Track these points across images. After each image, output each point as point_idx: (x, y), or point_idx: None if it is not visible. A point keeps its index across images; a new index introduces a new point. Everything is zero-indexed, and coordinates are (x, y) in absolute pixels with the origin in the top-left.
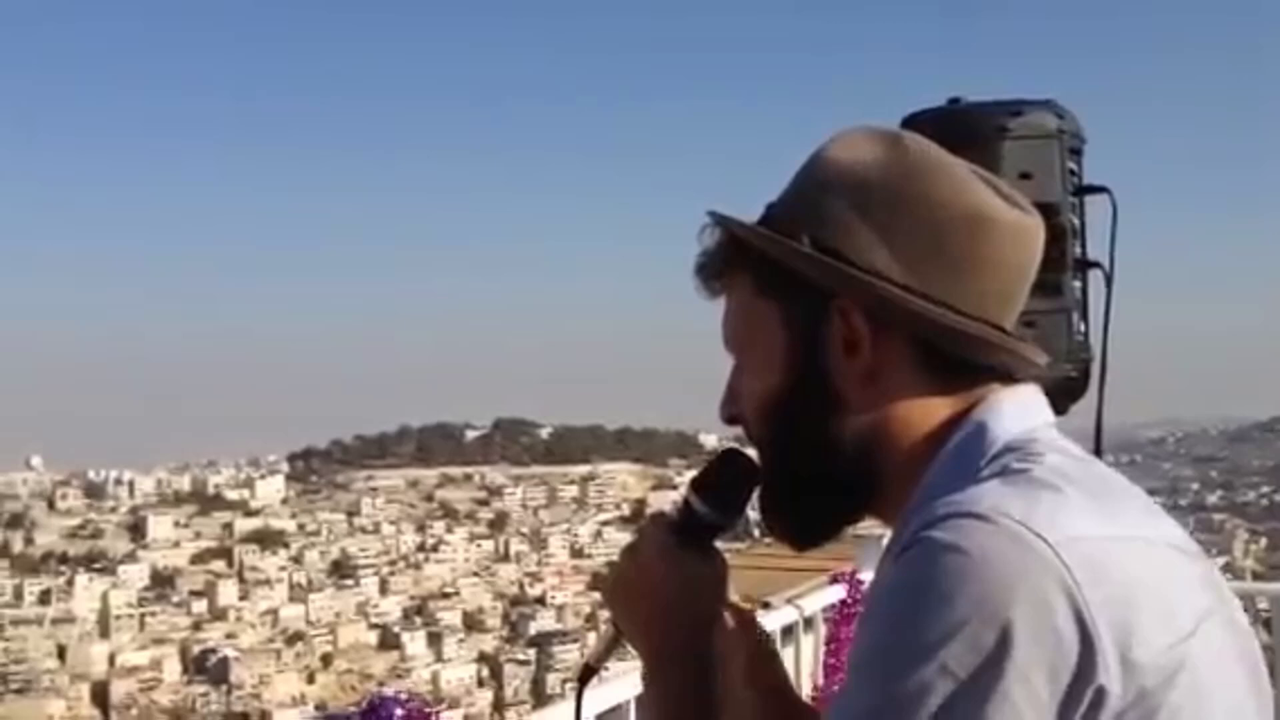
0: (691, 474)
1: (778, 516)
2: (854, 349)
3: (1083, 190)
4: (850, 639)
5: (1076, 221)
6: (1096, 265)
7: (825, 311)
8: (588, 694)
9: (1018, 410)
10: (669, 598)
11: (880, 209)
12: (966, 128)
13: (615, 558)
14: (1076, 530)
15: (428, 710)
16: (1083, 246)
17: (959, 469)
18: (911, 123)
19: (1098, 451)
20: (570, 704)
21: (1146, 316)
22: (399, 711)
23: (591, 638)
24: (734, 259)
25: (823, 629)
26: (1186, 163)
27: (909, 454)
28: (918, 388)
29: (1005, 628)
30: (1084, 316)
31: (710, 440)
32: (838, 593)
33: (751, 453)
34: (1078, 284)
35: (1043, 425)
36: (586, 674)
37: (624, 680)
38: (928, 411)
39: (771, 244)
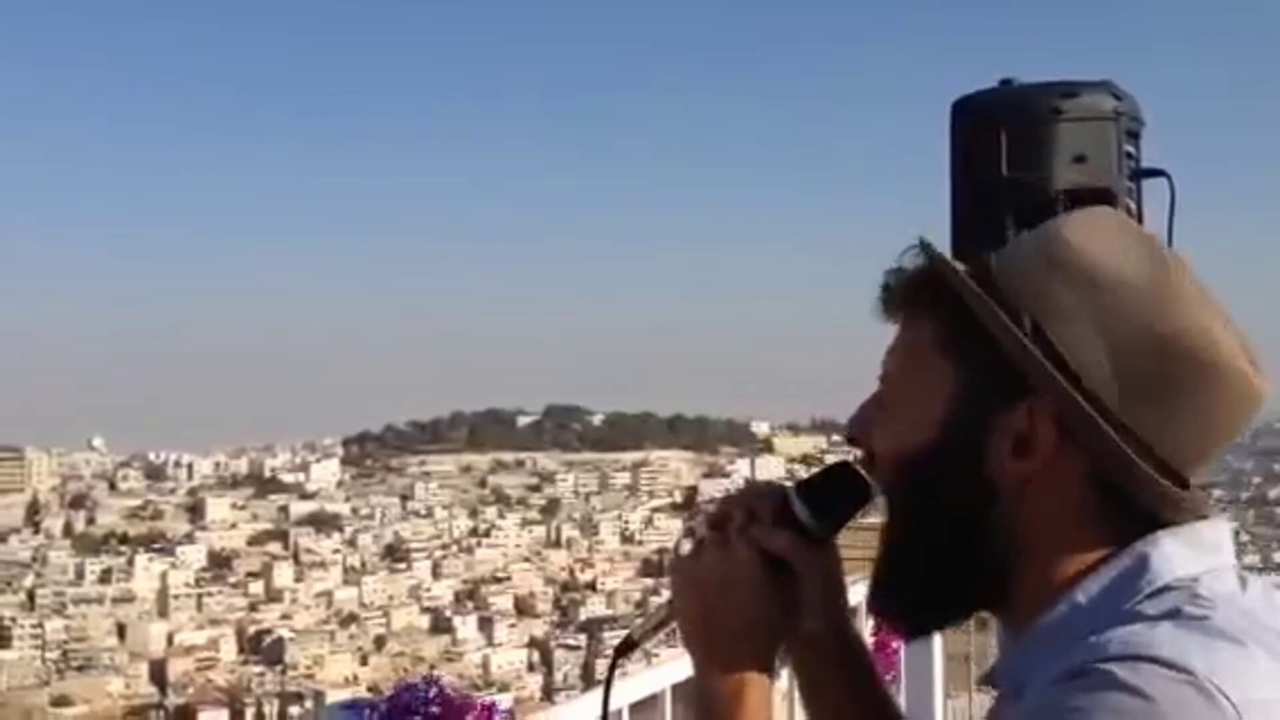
0: (743, 463)
1: (895, 588)
2: (1025, 451)
3: (1140, 174)
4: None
5: (1133, 206)
6: None
7: (1011, 400)
8: (622, 683)
9: (1186, 549)
10: (745, 615)
11: (1122, 324)
12: (1019, 109)
13: (699, 544)
14: (1261, 694)
15: (458, 695)
16: None
17: (1115, 600)
18: (963, 105)
19: None
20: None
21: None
22: (432, 691)
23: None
24: (932, 302)
25: (869, 622)
26: (1251, 152)
27: (1052, 572)
28: (1079, 513)
29: None
30: None
31: (762, 428)
32: None
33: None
34: None
35: (1218, 568)
36: (627, 646)
37: (661, 669)
38: (1083, 537)
39: (990, 313)
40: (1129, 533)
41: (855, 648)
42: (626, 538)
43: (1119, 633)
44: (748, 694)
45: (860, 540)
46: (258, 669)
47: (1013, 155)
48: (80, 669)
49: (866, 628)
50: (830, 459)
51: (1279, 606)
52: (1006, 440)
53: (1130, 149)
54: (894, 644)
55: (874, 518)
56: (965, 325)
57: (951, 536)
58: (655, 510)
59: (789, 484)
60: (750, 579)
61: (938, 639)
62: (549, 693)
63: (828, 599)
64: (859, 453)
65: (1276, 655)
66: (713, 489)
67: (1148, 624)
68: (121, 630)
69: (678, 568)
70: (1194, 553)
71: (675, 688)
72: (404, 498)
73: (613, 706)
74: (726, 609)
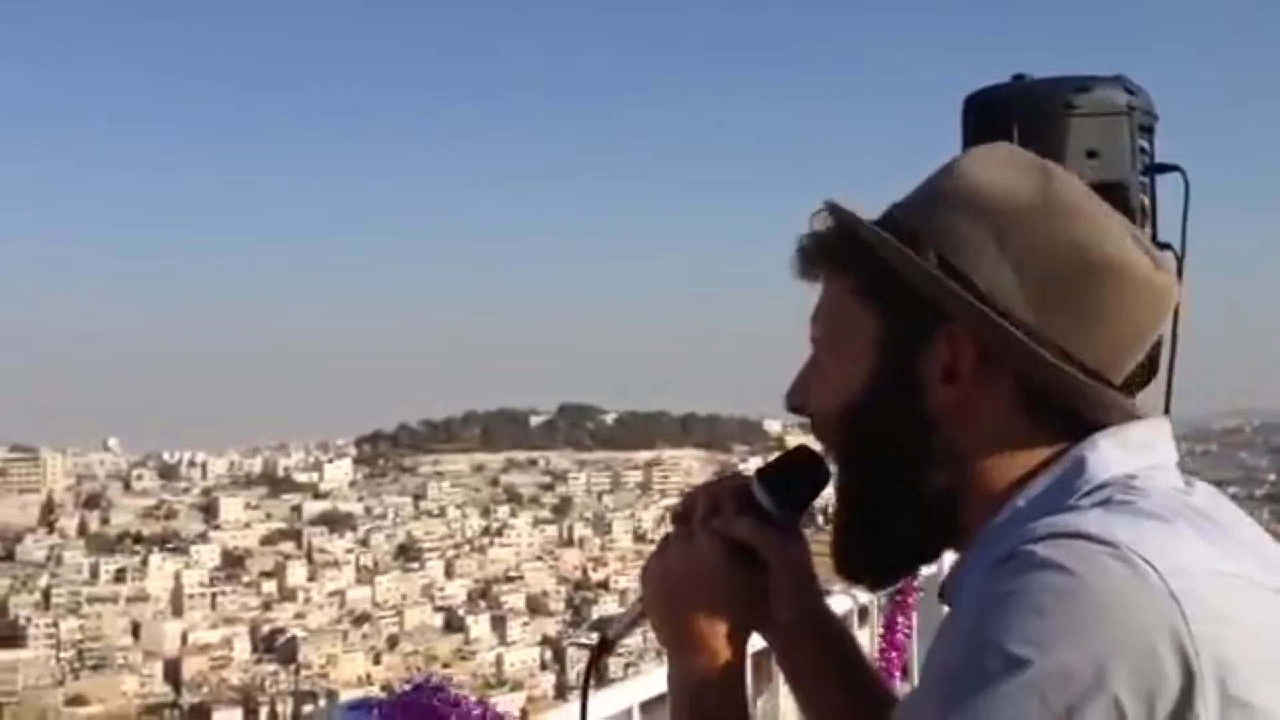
0: (756, 461)
1: (854, 541)
2: (953, 377)
3: (1154, 169)
4: (904, 628)
5: (1147, 201)
6: (1167, 247)
7: (930, 332)
8: (634, 681)
9: (1122, 450)
10: (712, 606)
11: (1018, 241)
12: (1031, 104)
13: (665, 540)
14: (1185, 562)
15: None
16: (1154, 227)
17: (1051, 499)
18: (975, 100)
19: None
20: (616, 691)
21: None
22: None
23: None
24: (843, 254)
25: (878, 617)
26: (1265, 148)
27: (995, 487)
28: (1012, 427)
29: (1104, 651)
30: None
31: (774, 427)
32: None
33: (818, 447)
34: None
35: (1156, 465)
36: (603, 647)
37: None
38: (1020, 449)
39: (895, 253)
40: (1066, 440)
41: (833, 632)
42: (639, 536)
43: (1046, 519)
44: (719, 684)
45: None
46: (271, 668)
47: (1025, 150)
48: (95, 668)
49: (875, 621)
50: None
51: (1223, 505)
52: (935, 372)
53: (1144, 144)
54: (904, 632)
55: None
56: (877, 272)
57: (900, 475)
58: (668, 509)
59: (750, 473)
60: (714, 569)
61: None
62: (562, 691)
63: (797, 585)
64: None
65: (1206, 535)
66: None
67: (1076, 511)
68: (136, 629)
69: (645, 564)
70: (1131, 452)
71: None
72: (417, 497)
73: (625, 705)
74: (693, 601)
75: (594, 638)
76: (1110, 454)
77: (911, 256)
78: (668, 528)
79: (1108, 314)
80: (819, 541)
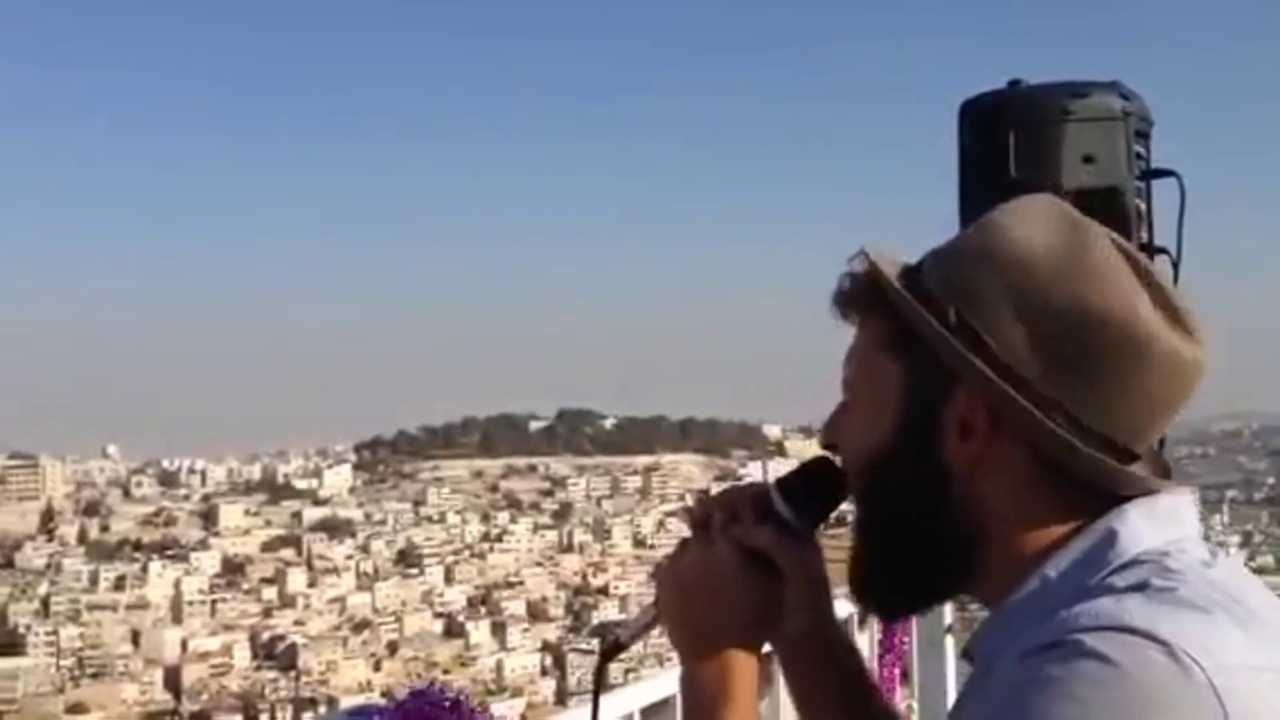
0: (755, 465)
1: (869, 577)
2: (969, 434)
3: (1149, 174)
4: (903, 634)
5: (1143, 206)
6: (1163, 251)
7: (951, 388)
8: (637, 686)
9: (1150, 523)
10: (728, 611)
11: (1035, 303)
12: (1028, 110)
13: (682, 545)
14: (1227, 659)
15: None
16: (1149, 232)
17: (1084, 574)
18: (972, 105)
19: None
20: (620, 696)
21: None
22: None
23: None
24: (871, 303)
25: (876, 625)
26: (1262, 150)
27: (1017, 546)
28: (1030, 488)
29: None
30: None
31: (773, 431)
32: None
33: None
34: None
35: (1184, 539)
36: (614, 650)
37: (674, 672)
38: (1041, 512)
39: (911, 310)
40: (1087, 506)
41: (840, 645)
42: (639, 541)
43: (1089, 605)
44: (734, 689)
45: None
46: (271, 675)
47: (1021, 156)
48: (95, 676)
49: (874, 627)
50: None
51: (1246, 579)
52: (953, 429)
53: (1139, 149)
54: (902, 640)
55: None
56: (904, 324)
57: (914, 522)
58: (667, 514)
59: (769, 482)
60: (732, 575)
61: (950, 643)
62: (562, 697)
63: (812, 595)
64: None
65: (1242, 624)
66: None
67: (1116, 596)
68: (135, 637)
69: (661, 567)
70: (1159, 525)
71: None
72: (416, 503)
73: (626, 710)
74: (710, 605)
75: (607, 639)
76: (1139, 526)
77: (924, 315)
78: (667, 532)
79: (1124, 385)
80: (829, 546)
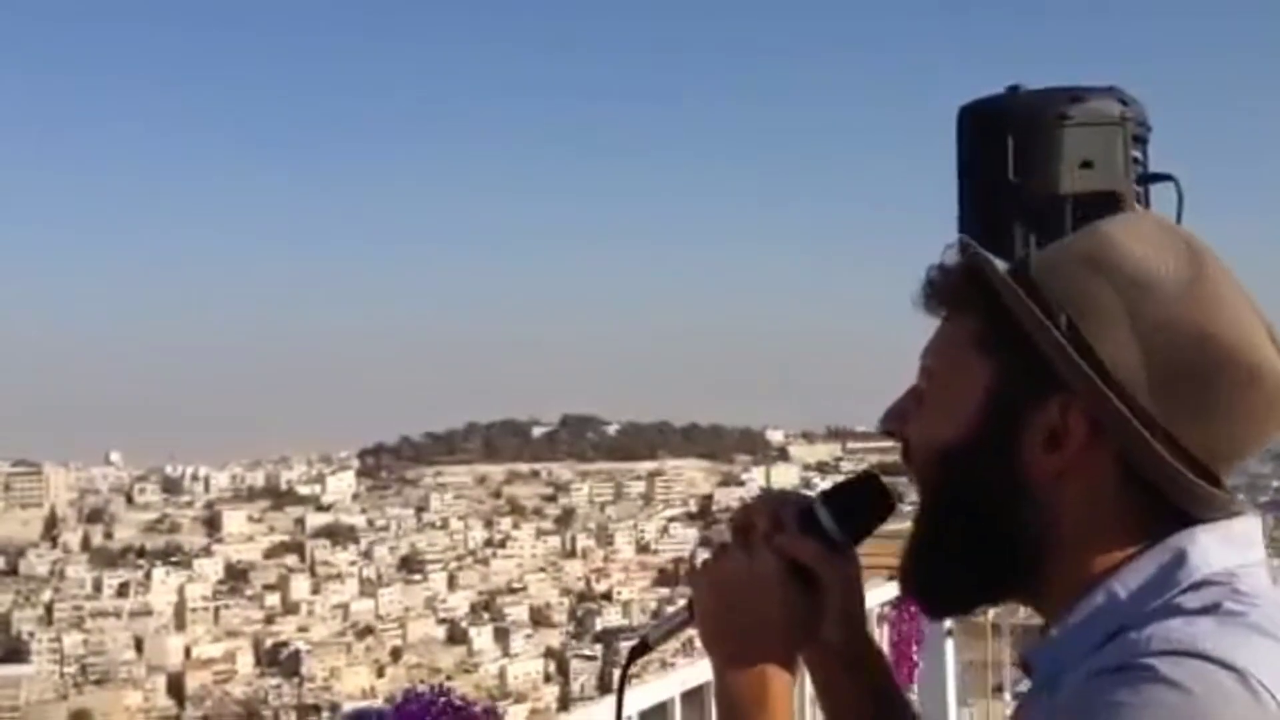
0: (758, 471)
1: (925, 574)
2: (1057, 445)
3: (1147, 178)
4: (910, 636)
5: (1140, 210)
6: None
7: (1044, 394)
8: (639, 689)
9: (1220, 545)
10: (768, 619)
11: (1154, 320)
12: (1026, 115)
13: (722, 549)
14: None
15: (466, 704)
16: None
17: (1153, 593)
18: (971, 111)
19: None
20: (657, 684)
21: None
22: (440, 700)
23: None
24: (971, 298)
25: (885, 626)
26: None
27: (1084, 562)
28: (1108, 505)
29: None
30: None
31: (777, 436)
32: (895, 589)
33: (890, 482)
34: None
35: (1253, 563)
36: (641, 649)
37: (671, 677)
38: (1113, 529)
39: (1025, 309)
40: (1161, 527)
41: (873, 658)
42: (642, 547)
43: (1160, 627)
44: (771, 695)
45: (883, 549)
46: (275, 681)
47: (1020, 160)
48: (98, 682)
49: (883, 636)
50: (846, 466)
51: None
52: (1039, 435)
53: (1137, 154)
54: (913, 653)
55: (897, 524)
56: (1003, 323)
57: (982, 527)
58: (671, 519)
59: (813, 493)
60: (776, 583)
61: (950, 647)
62: (566, 703)
63: (849, 608)
64: (885, 460)
65: None
66: (728, 498)
67: (1188, 619)
68: (139, 644)
69: (701, 570)
70: (1229, 548)
71: (685, 695)
72: (419, 509)
73: (624, 712)
74: (750, 611)
75: (636, 639)
76: (1210, 548)
77: (1040, 317)
78: (671, 538)
79: (1231, 412)
80: (868, 553)
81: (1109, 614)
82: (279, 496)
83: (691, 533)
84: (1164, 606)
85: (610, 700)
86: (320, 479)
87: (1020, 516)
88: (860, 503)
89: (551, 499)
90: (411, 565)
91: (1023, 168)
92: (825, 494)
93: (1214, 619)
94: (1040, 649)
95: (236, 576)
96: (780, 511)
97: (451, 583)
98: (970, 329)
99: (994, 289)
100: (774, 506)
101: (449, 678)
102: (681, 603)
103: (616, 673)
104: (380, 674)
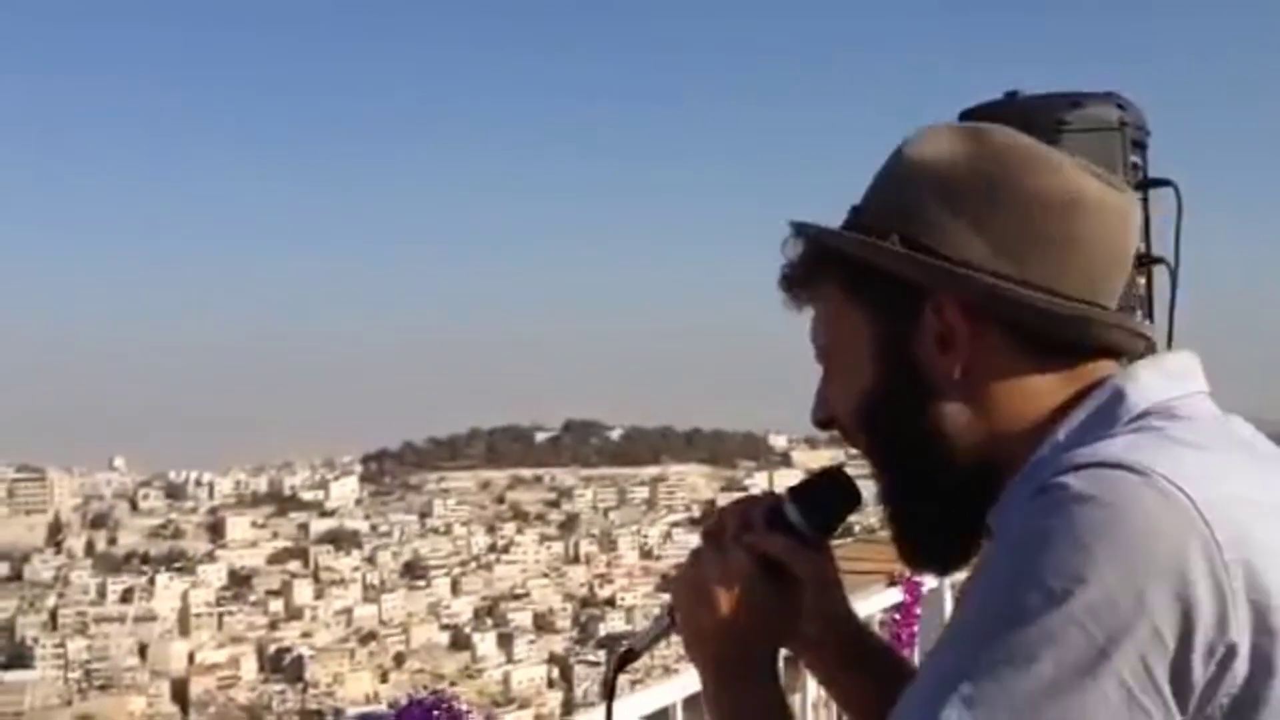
0: (761, 476)
1: (910, 533)
2: (948, 344)
3: (1146, 184)
4: (910, 641)
5: (1140, 216)
6: (1161, 260)
7: (917, 309)
8: (639, 695)
9: (1160, 377)
10: (745, 617)
11: (970, 200)
12: (1024, 121)
13: (696, 554)
14: (1217, 490)
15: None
16: (1147, 242)
17: (1090, 431)
18: (968, 117)
19: None
20: (625, 702)
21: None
22: (440, 707)
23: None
24: (820, 267)
25: (882, 633)
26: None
27: (1022, 438)
28: (1023, 372)
29: (1142, 582)
30: (1149, 314)
31: (779, 441)
32: (895, 595)
33: (853, 472)
34: (1142, 280)
35: (1196, 393)
36: (628, 658)
37: (671, 683)
38: (1036, 394)
39: (860, 246)
40: (1072, 365)
41: (865, 644)
42: (645, 552)
43: (1080, 450)
44: (755, 697)
45: (879, 554)
46: (278, 687)
47: None
48: (102, 688)
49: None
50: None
51: (1258, 436)
52: (932, 344)
53: (1136, 159)
54: (907, 638)
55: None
56: (855, 270)
57: (928, 456)
58: (674, 525)
59: (782, 490)
60: (747, 582)
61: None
62: (569, 709)
63: (825, 601)
64: (850, 451)
65: (1242, 464)
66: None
67: (1109, 440)
68: (143, 649)
69: (677, 576)
70: (1171, 379)
71: (686, 701)
72: (422, 515)
73: (668, 701)
74: (726, 613)
75: (620, 649)
76: (1150, 382)
77: (876, 243)
78: (674, 543)
79: (1073, 242)
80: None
81: (1051, 461)
82: (282, 502)
83: (694, 538)
84: (1099, 440)
85: (644, 693)
86: (323, 484)
87: (954, 425)
88: (827, 496)
89: (554, 504)
90: (415, 571)
91: None
92: (792, 490)
93: (1133, 434)
94: (994, 510)
95: (240, 582)
96: (749, 512)
97: (455, 588)
98: (833, 294)
99: (833, 247)
100: (743, 507)
101: (452, 683)
102: (661, 610)
103: (622, 682)
104: (384, 679)
